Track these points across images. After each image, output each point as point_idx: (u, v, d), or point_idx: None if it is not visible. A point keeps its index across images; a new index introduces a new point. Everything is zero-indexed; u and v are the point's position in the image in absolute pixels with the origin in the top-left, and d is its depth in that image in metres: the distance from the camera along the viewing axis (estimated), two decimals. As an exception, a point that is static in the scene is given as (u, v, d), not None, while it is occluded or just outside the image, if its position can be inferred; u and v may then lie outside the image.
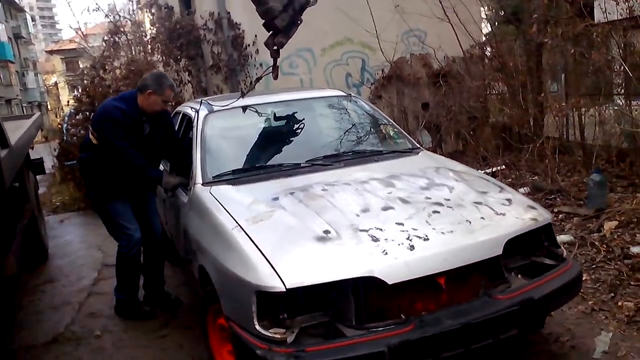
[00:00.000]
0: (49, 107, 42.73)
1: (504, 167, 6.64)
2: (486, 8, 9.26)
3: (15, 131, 4.39)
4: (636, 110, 5.71)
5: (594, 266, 3.89)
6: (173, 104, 8.12)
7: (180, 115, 4.36)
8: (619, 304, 3.32)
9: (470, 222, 2.58)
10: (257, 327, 2.27)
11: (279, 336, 2.23)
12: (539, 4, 6.64)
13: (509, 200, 2.83)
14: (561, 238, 4.28)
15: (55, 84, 39.89)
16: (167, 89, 3.60)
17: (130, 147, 3.57)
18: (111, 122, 3.56)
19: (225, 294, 2.57)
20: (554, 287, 2.54)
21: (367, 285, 2.34)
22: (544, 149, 6.04)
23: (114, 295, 3.98)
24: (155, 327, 3.76)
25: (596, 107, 6.25)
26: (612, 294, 3.45)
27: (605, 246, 4.14)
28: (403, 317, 2.34)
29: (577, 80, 6.62)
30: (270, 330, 2.26)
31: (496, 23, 9.85)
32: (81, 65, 22.99)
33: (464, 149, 8.18)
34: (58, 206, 8.30)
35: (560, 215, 5.03)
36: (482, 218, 2.62)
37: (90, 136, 3.74)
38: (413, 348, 2.22)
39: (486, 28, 9.08)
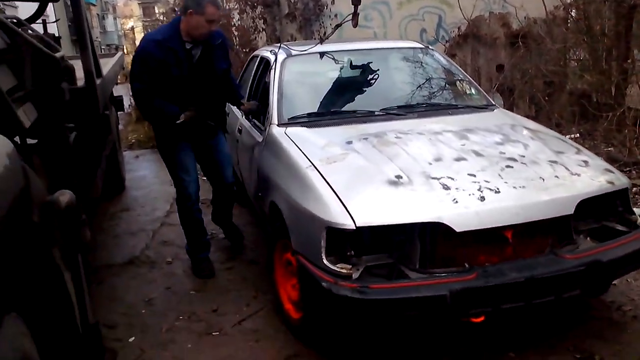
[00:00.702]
0: (125, 50, 44.17)
1: (578, 135, 6.41)
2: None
3: (104, 66, 4.63)
4: None
5: (666, 240, 3.76)
6: (239, 42, 8.25)
7: (258, 58, 4.46)
8: (690, 279, 3.23)
9: (543, 180, 2.56)
10: (325, 261, 2.38)
11: (345, 271, 2.34)
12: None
13: (585, 161, 2.78)
14: (635, 211, 4.15)
15: (132, 28, 41.09)
16: (208, 5, 3.22)
17: (149, 89, 3.28)
18: (140, 59, 3.31)
19: (296, 229, 2.69)
20: (623, 252, 2.51)
21: (435, 232, 2.39)
22: (624, 118, 5.78)
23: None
24: (223, 259, 3.99)
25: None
26: (684, 269, 3.35)
27: (681, 222, 3.99)
28: (467, 265, 2.40)
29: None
30: (337, 265, 2.36)
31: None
32: (157, 11, 23.51)
33: (537, 114, 7.91)
34: (134, 143, 8.72)
35: (635, 189, 4.85)
36: (556, 176, 2.60)
37: None
38: (474, 296, 2.28)
39: (574, -12, 8.60)
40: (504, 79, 7.87)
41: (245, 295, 3.43)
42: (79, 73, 3.32)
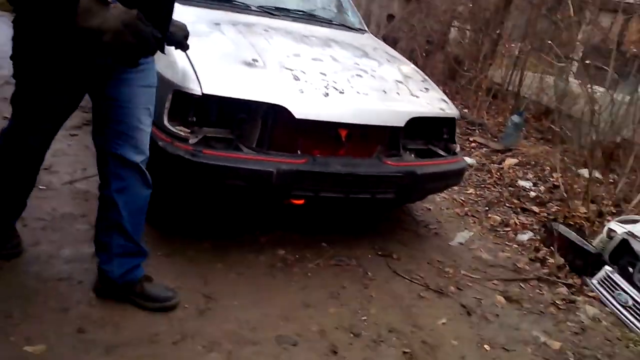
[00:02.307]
0: None
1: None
2: None
3: None
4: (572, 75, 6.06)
5: (482, 185, 4.32)
6: None
7: None
8: (489, 215, 3.76)
9: (385, 92, 2.80)
10: (166, 122, 2.43)
11: (183, 133, 2.41)
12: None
13: (426, 89, 3.07)
14: (466, 159, 4.64)
15: None
16: None
17: None
18: None
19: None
20: (436, 170, 2.85)
21: (276, 116, 2.53)
22: (482, 83, 6.35)
23: None
24: (68, 126, 3.77)
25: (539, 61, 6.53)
26: (487, 208, 3.89)
27: (499, 174, 4.57)
28: (299, 152, 2.58)
29: (534, 29, 6.82)
30: (176, 127, 2.42)
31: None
32: None
33: (414, 69, 8.37)
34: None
35: (474, 144, 5.42)
36: (398, 93, 2.85)
37: None
38: (299, 178, 2.47)
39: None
40: (391, 29, 8.18)
41: (83, 162, 3.35)
42: None
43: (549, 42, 5.34)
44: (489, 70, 6.81)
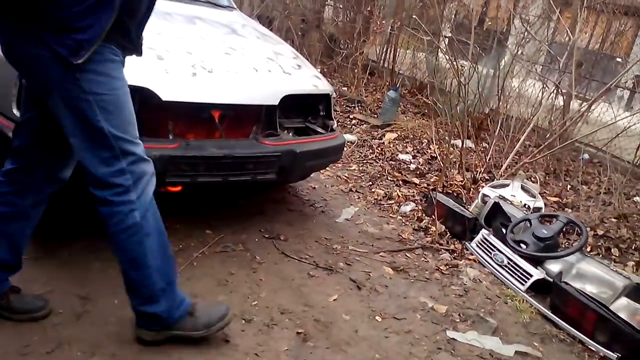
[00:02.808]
0: None
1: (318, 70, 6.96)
2: None
3: None
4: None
5: (365, 161, 4.38)
6: None
7: None
8: (373, 190, 3.82)
9: (257, 70, 2.69)
10: (14, 110, 2.16)
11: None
12: None
13: (299, 65, 3.00)
14: (347, 136, 4.72)
15: None
16: None
17: None
18: None
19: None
20: (315, 147, 2.81)
21: (142, 100, 2.34)
22: (358, 60, 6.45)
23: None
24: None
25: (410, 39, 6.78)
26: (371, 183, 3.94)
27: (380, 149, 4.67)
28: (171, 137, 2.41)
29: (403, 7, 7.05)
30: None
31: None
32: None
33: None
34: None
35: (354, 121, 5.50)
36: (269, 71, 2.75)
37: None
38: (172, 164, 2.31)
39: None
40: (265, 7, 8.06)
41: None
42: None
43: (416, 18, 5.49)
44: (363, 48, 6.94)
